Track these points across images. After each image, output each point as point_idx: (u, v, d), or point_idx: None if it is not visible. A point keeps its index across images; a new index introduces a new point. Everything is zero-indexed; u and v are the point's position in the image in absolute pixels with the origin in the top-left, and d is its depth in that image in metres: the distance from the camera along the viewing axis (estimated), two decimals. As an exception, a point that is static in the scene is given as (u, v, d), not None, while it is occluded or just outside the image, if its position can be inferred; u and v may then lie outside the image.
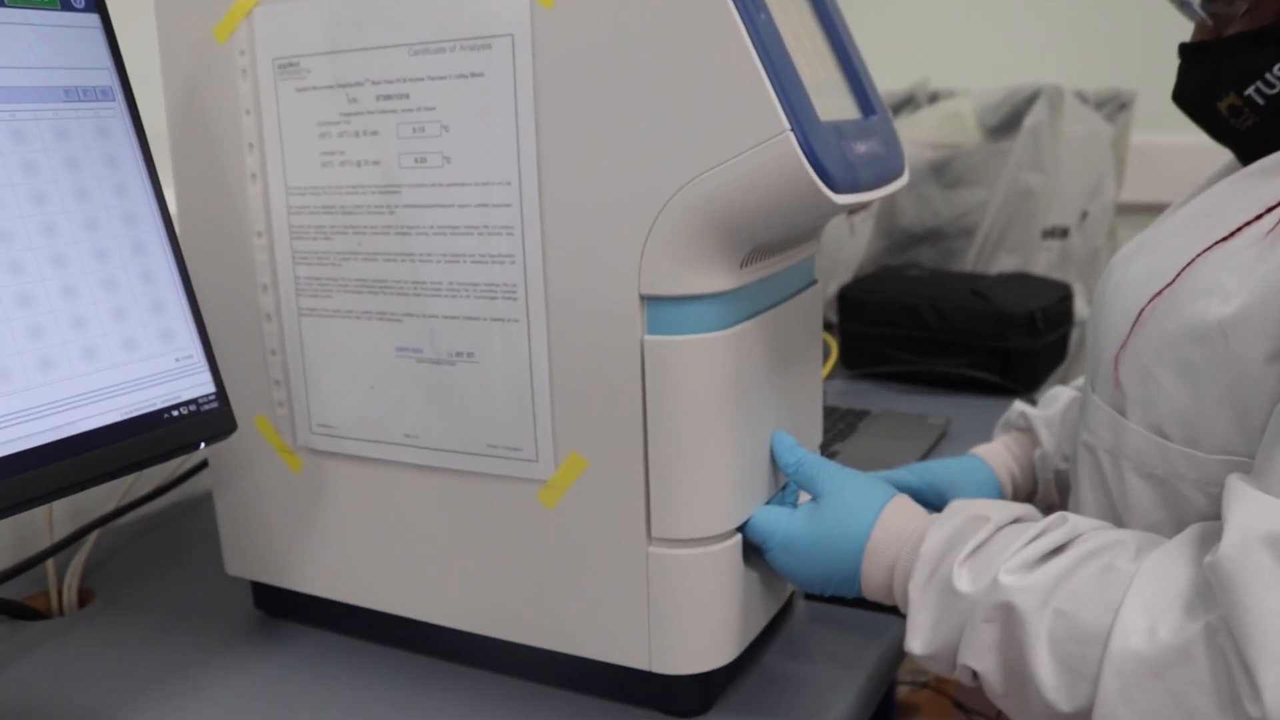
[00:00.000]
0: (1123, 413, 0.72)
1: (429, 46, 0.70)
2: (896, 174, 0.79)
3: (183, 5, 0.80)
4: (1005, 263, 1.75)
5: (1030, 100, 1.69)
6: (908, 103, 1.95)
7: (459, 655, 0.82)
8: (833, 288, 1.58)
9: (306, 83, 0.75)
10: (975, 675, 0.67)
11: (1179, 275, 0.69)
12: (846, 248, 1.59)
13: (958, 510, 0.70)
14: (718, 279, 0.67)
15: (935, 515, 0.71)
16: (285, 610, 0.91)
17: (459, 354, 0.74)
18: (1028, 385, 1.46)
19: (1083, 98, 1.85)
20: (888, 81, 2.04)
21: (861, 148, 0.72)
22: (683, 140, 0.64)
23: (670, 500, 0.70)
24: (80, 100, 0.67)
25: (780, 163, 0.63)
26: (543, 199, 0.69)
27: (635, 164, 0.66)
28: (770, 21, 0.66)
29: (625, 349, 0.69)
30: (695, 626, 0.72)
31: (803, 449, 0.77)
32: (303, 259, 0.79)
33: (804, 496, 0.78)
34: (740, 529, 0.74)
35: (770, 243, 0.71)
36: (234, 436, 0.84)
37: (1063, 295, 1.57)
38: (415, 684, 0.81)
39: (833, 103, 0.74)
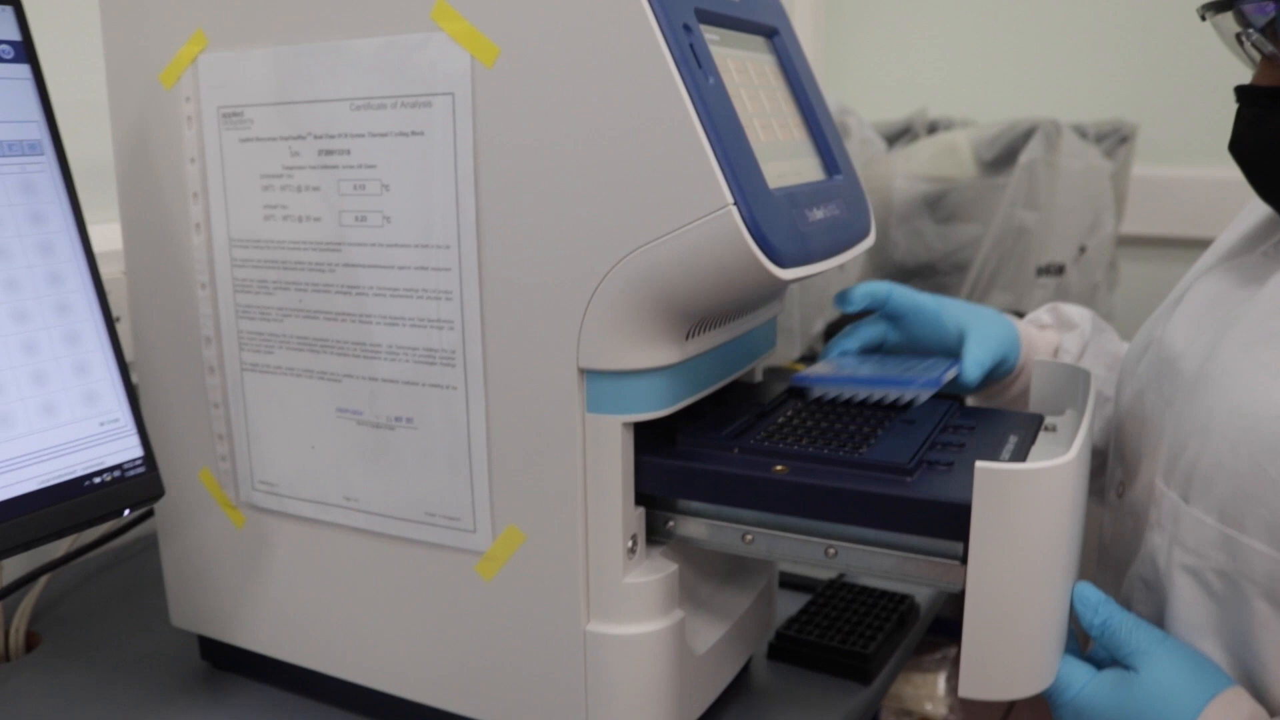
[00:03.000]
0: (1241, 530, 0.64)
1: (370, 102, 0.68)
2: (860, 237, 0.76)
3: (131, 47, 0.78)
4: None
5: (1026, 135, 1.66)
6: (905, 132, 1.92)
7: (400, 720, 0.80)
8: (820, 324, 1.56)
9: (250, 133, 0.73)
10: None
11: None
12: (836, 283, 1.56)
13: None
14: (659, 353, 0.65)
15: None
16: (231, 663, 0.88)
17: (398, 419, 0.71)
18: (1015, 430, 1.43)
19: (1082, 131, 1.82)
20: (887, 110, 2.02)
21: (819, 213, 0.70)
22: (623, 210, 0.62)
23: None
24: (6, 155, 0.65)
25: (722, 237, 0.60)
26: (482, 264, 0.66)
27: (575, 232, 0.63)
28: (720, 86, 0.63)
29: (564, 422, 0.66)
30: (634, 708, 0.69)
31: (1111, 603, 0.65)
32: (245, 313, 0.76)
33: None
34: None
35: (716, 315, 0.68)
36: (178, 489, 0.82)
37: (1054, 336, 1.54)
38: (353, 750, 0.79)
39: (792, 166, 0.71)
